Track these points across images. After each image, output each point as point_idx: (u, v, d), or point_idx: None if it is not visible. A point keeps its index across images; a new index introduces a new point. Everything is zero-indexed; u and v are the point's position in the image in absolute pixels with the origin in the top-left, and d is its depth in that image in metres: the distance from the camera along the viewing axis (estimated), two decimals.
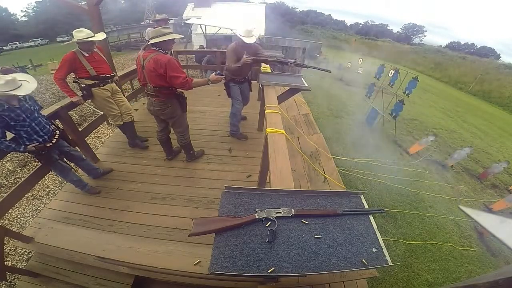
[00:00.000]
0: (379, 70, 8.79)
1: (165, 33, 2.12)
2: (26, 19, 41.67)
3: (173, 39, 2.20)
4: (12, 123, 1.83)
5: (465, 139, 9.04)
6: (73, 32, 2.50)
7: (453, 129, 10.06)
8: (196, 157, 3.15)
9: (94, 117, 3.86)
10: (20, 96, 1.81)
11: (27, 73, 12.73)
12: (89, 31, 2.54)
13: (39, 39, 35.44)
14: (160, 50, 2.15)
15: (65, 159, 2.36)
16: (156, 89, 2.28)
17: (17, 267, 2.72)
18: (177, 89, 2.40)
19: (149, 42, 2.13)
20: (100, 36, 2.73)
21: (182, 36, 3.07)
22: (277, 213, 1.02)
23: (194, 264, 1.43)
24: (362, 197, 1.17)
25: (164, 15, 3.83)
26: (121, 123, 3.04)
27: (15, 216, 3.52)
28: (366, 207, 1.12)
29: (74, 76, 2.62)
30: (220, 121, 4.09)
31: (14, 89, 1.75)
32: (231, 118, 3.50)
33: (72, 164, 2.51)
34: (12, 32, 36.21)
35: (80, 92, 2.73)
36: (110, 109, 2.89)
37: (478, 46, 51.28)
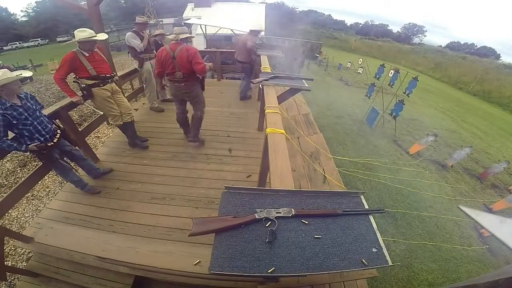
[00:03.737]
0: (379, 70, 8.80)
1: (187, 31, 2.89)
2: (26, 19, 41.60)
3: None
4: (15, 122, 1.83)
5: (465, 139, 9.05)
6: (75, 32, 2.49)
7: (453, 129, 10.07)
8: (199, 141, 3.38)
9: (94, 117, 3.86)
10: (26, 79, 1.96)
11: None
12: (91, 31, 2.53)
13: (39, 39, 35.41)
14: (184, 43, 2.72)
15: (66, 159, 2.36)
16: (186, 75, 2.78)
17: (17, 267, 2.71)
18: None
19: (180, 38, 2.70)
20: (102, 36, 2.74)
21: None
22: (277, 213, 1.01)
23: (194, 264, 1.43)
24: (362, 197, 1.17)
25: (144, 18, 3.92)
26: (121, 123, 3.03)
27: (15, 216, 3.52)
28: (366, 207, 1.12)
29: (74, 76, 2.61)
30: (220, 121, 4.09)
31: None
32: (246, 87, 4.82)
33: (72, 164, 2.51)
34: (12, 32, 36.15)
35: (80, 92, 2.73)
36: (110, 109, 2.89)
37: (478, 46, 51.30)
